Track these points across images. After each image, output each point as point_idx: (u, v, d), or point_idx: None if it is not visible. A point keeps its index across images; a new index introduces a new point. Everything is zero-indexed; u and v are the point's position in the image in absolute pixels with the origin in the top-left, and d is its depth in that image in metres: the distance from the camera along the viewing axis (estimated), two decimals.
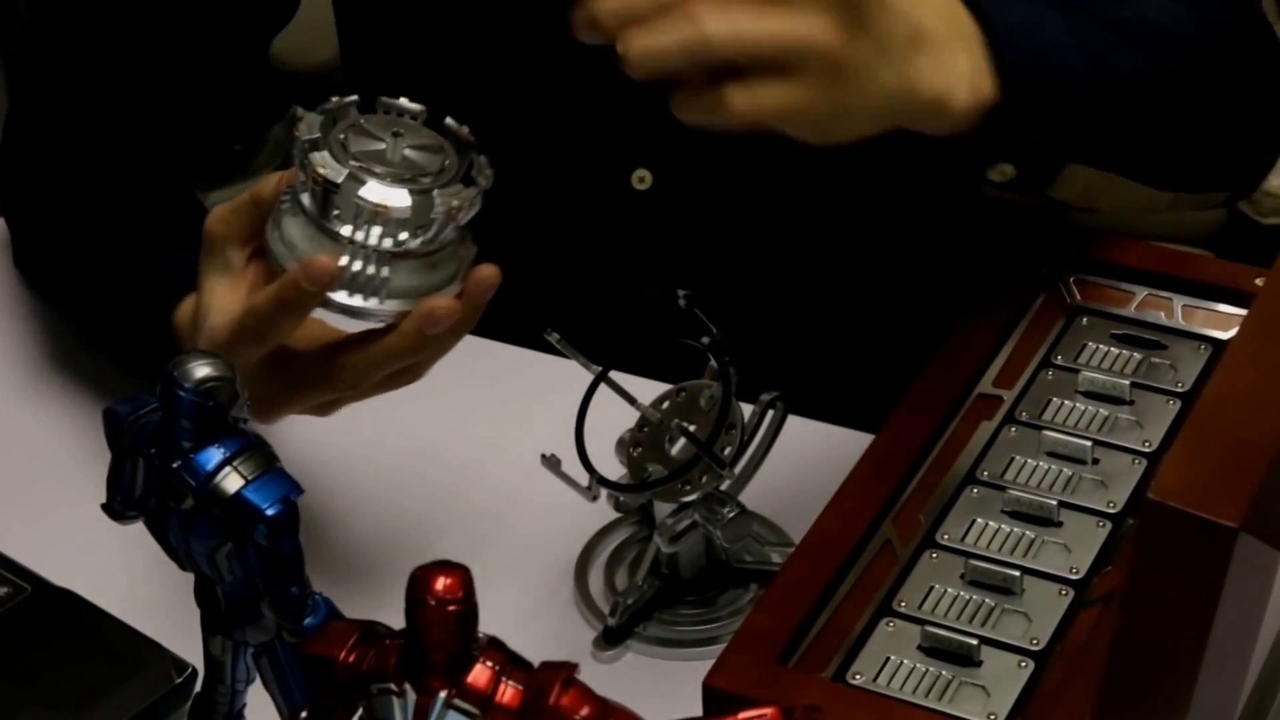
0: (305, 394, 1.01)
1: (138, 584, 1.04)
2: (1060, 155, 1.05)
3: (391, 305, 0.97)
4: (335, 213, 0.96)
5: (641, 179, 1.25)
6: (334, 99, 0.99)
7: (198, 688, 0.92)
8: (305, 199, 0.97)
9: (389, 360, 0.99)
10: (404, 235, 0.96)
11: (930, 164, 1.06)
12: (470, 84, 1.26)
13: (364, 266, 0.96)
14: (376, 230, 0.96)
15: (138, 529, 0.87)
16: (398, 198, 0.96)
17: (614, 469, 1.03)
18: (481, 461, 1.09)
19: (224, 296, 1.01)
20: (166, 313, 1.06)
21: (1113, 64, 1.03)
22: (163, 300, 1.07)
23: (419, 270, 0.97)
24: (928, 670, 0.89)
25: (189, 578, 0.87)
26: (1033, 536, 0.95)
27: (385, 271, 0.96)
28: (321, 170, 0.96)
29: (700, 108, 0.94)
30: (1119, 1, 1.08)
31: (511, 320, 1.25)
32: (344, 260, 0.96)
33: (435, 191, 0.97)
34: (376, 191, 0.96)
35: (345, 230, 0.96)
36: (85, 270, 1.22)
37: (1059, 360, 1.05)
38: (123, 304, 1.17)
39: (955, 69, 0.97)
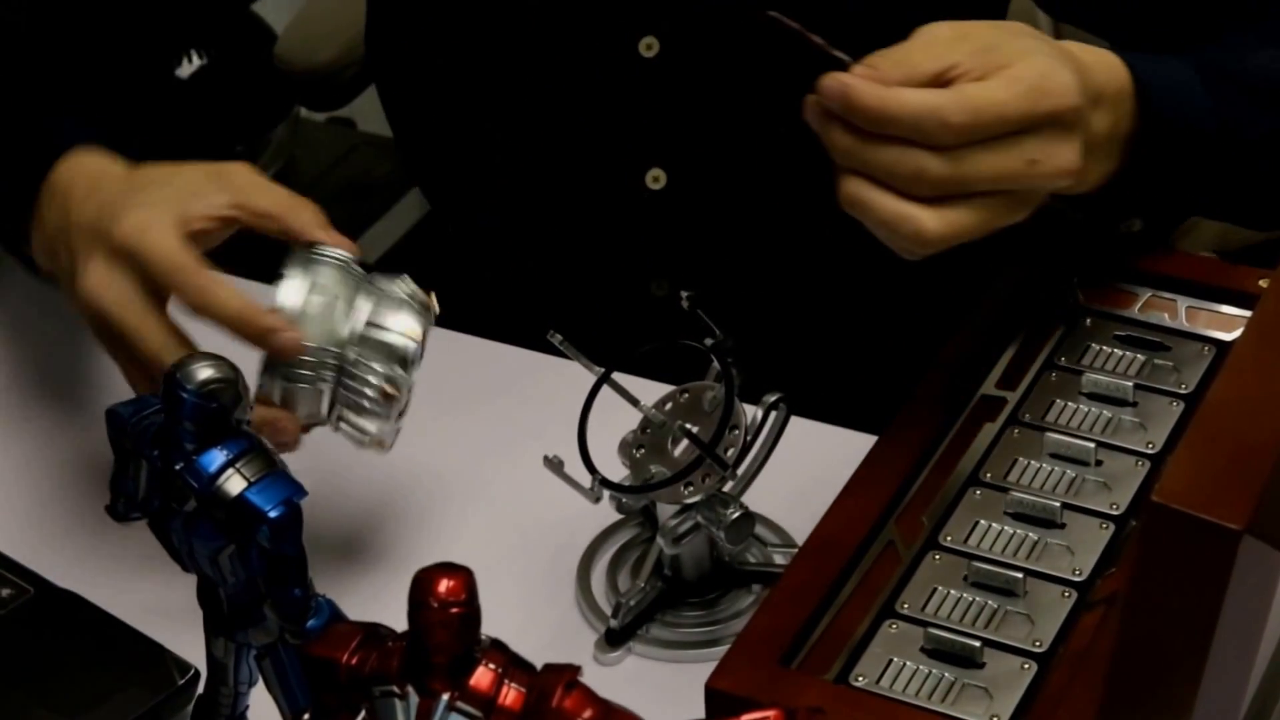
0: (123, 366, 1.03)
1: (140, 585, 1.04)
2: (1185, 212, 1.07)
3: (261, 391, 1.00)
4: (374, 336, 1.00)
5: (656, 179, 1.25)
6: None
7: (200, 689, 0.92)
8: (365, 300, 1.00)
9: None
10: (370, 400, 1.00)
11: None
12: (488, 81, 1.26)
13: (306, 367, 0.99)
14: (373, 371, 1.00)
15: (141, 530, 0.87)
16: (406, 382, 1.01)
17: (617, 470, 1.03)
18: (484, 463, 1.09)
19: (174, 221, 1.01)
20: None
21: (1240, 125, 1.05)
22: (42, 169, 1.07)
23: (310, 395, 1.00)
24: (930, 672, 0.89)
25: (192, 579, 0.87)
26: (1036, 538, 0.95)
27: (306, 383, 0.99)
28: (409, 334, 1.00)
29: (889, 229, 0.94)
30: (1244, 49, 1.09)
31: (515, 321, 1.25)
32: (309, 346, 0.98)
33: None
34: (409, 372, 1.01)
35: (353, 352, 0.99)
36: None
37: (1062, 362, 1.05)
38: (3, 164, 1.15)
39: (1099, 168, 1.00)
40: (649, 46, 1.22)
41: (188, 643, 0.92)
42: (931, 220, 0.93)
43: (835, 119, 0.93)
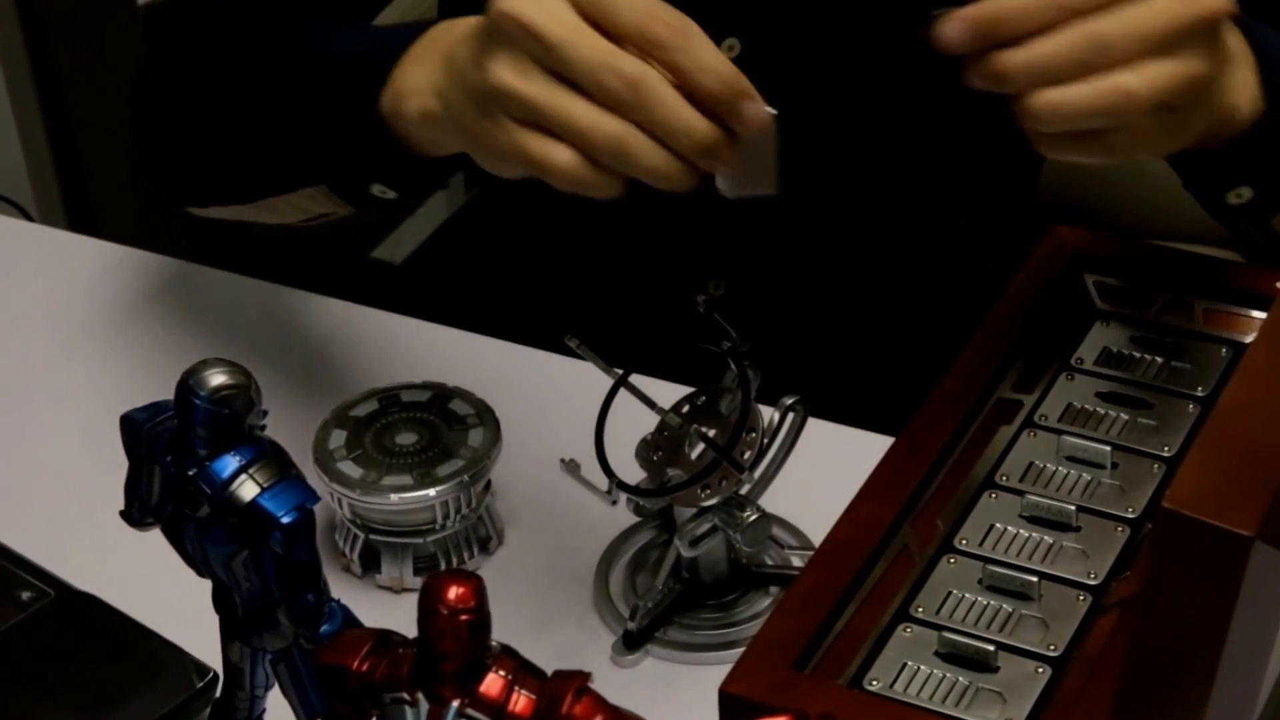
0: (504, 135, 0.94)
1: (160, 588, 1.04)
2: None
3: None
4: None
5: None
6: None
7: (218, 693, 0.93)
8: None
9: None
10: None
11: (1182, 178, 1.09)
12: None
13: None
14: None
15: (161, 533, 0.87)
16: None
17: (634, 473, 1.03)
18: (501, 466, 1.09)
19: None
20: (361, 92, 1.02)
21: None
22: (352, 82, 1.03)
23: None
24: (944, 676, 0.89)
25: (210, 582, 0.87)
26: (1051, 542, 0.95)
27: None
28: None
29: (1099, 110, 0.93)
30: None
31: (532, 323, 1.25)
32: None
33: None
34: None
35: None
36: (270, 100, 1.14)
37: (1079, 364, 1.05)
38: (318, 109, 1.08)
39: (1245, 81, 1.00)
40: (731, 48, 1.22)
41: (206, 645, 0.92)
42: (1131, 77, 0.92)
43: (986, 53, 0.92)
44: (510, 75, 0.91)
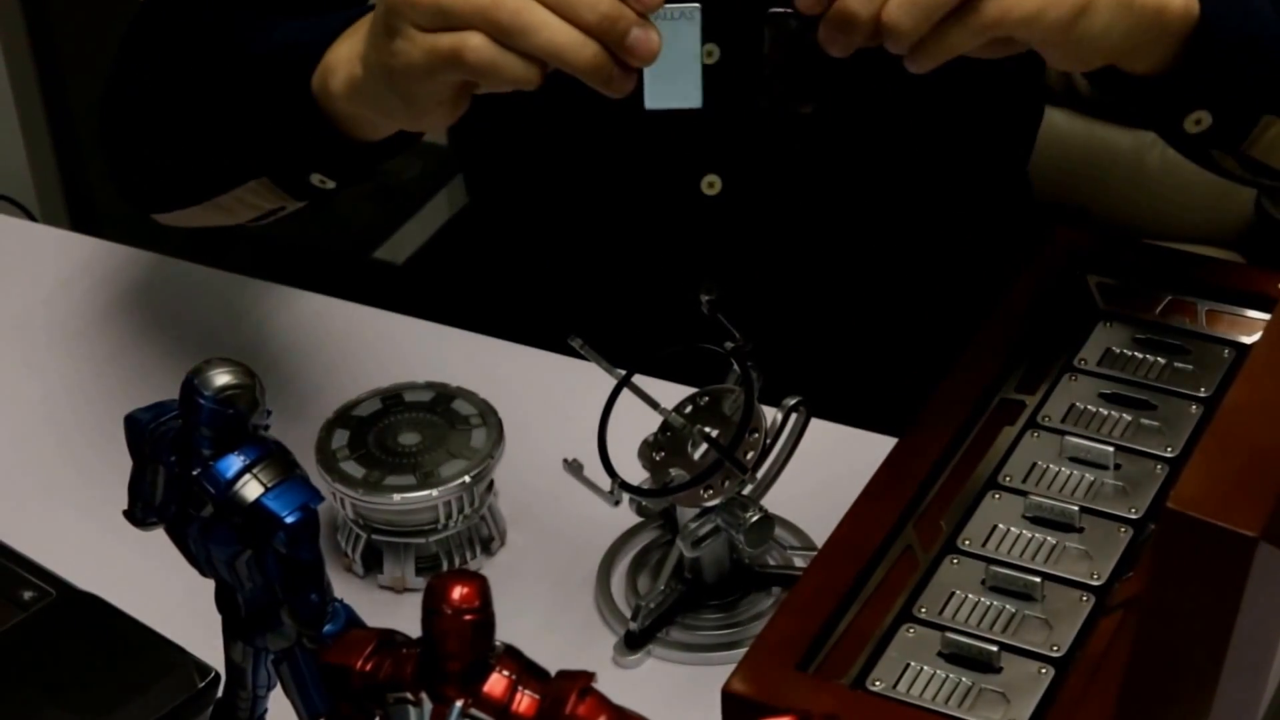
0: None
1: (162, 588, 1.04)
2: (1255, 104, 1.04)
3: None
4: None
5: (711, 184, 1.25)
6: None
7: (220, 693, 0.93)
8: None
9: None
10: None
11: (1135, 110, 1.08)
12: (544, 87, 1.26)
13: None
14: None
15: (162, 533, 0.87)
16: None
17: (637, 473, 1.03)
18: (504, 466, 1.09)
19: None
20: (293, 75, 1.04)
21: None
22: (286, 66, 1.05)
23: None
24: (947, 677, 0.89)
25: (213, 582, 0.87)
26: (1054, 542, 0.95)
27: None
28: None
29: (957, 30, 0.92)
30: None
31: (536, 324, 1.25)
32: None
33: None
34: None
35: None
36: (218, 100, 1.14)
37: (1082, 365, 1.05)
38: (256, 96, 1.09)
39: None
40: (709, 53, 1.21)
41: (208, 645, 0.92)
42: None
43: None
44: None
